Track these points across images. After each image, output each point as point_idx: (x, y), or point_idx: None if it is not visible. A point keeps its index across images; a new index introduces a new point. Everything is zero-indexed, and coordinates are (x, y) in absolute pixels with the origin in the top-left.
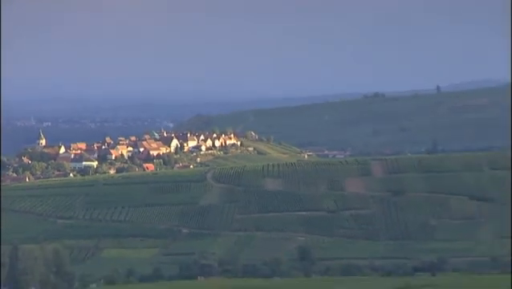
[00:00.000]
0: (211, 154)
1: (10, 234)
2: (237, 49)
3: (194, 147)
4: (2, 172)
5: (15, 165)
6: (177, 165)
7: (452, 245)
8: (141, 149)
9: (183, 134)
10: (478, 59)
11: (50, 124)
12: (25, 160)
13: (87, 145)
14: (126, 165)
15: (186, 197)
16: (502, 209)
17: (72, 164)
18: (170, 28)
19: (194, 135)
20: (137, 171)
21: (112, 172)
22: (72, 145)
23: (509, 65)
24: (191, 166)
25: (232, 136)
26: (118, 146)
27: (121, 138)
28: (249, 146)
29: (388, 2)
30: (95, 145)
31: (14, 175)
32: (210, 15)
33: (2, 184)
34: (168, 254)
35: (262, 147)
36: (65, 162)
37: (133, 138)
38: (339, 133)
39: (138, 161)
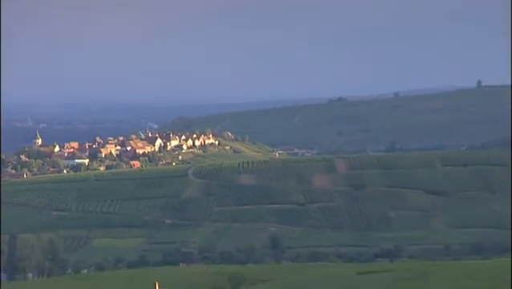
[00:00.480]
0: (191, 152)
1: (9, 225)
2: (216, 56)
3: (176, 146)
4: (2, 168)
5: (14, 163)
6: (161, 163)
7: (408, 234)
8: (128, 148)
9: (166, 134)
10: (435, 67)
11: (45, 125)
12: (23, 157)
13: (79, 144)
14: (114, 163)
15: (169, 191)
16: (453, 202)
17: (66, 162)
18: (154, 39)
19: (176, 135)
20: (125, 168)
21: (102, 168)
22: (66, 144)
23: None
24: (173, 163)
25: (210, 136)
26: (107, 145)
27: (110, 138)
28: (226, 145)
29: (353, 11)
30: (86, 145)
31: (13, 171)
32: (192, 24)
33: (2, 180)
34: (152, 243)
35: (237, 146)
36: (59, 160)
37: (121, 138)
38: (307, 134)
39: (125, 159)
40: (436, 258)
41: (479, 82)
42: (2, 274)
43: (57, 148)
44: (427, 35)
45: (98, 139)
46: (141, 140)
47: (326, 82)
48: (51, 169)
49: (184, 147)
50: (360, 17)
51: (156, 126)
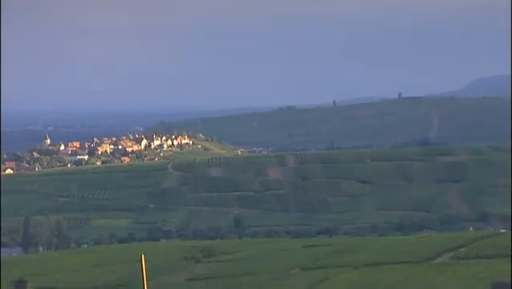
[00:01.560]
0: (170, 150)
1: (24, 208)
2: (190, 70)
3: (158, 145)
4: (18, 163)
5: (28, 159)
6: (146, 159)
7: (343, 215)
8: (120, 147)
9: (150, 136)
10: (365, 80)
11: (53, 128)
12: (35, 154)
13: (80, 144)
14: (109, 158)
15: (152, 182)
16: (379, 190)
17: (69, 158)
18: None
19: (158, 136)
20: (117, 163)
21: (99, 163)
22: (69, 144)
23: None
24: (156, 159)
25: (186, 137)
26: (103, 144)
27: (105, 138)
28: (198, 144)
29: (300, 31)
30: (86, 144)
31: (27, 166)
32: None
33: (18, 172)
34: (139, 223)
35: (207, 145)
36: (64, 156)
37: (114, 138)
38: (263, 135)
39: (117, 155)
40: (365, 234)
41: (400, 94)
42: (17, 248)
43: (62, 147)
44: (358, 54)
45: (95, 139)
46: (130, 140)
47: (278, 92)
48: (58, 164)
49: (165, 146)
50: (304, 36)
51: (141, 129)
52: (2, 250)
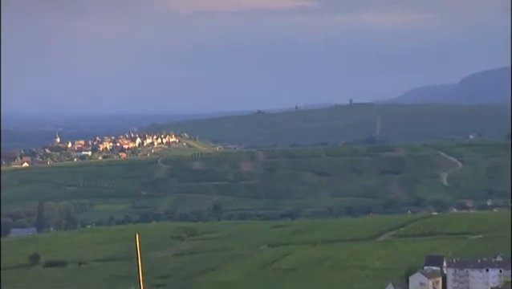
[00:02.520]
0: (160, 147)
1: (38, 195)
2: (178, 79)
3: (150, 143)
4: (33, 158)
5: (41, 154)
6: (140, 154)
7: (303, 201)
8: (118, 144)
9: (143, 135)
10: (321, 87)
11: (62, 128)
12: (47, 150)
13: (84, 142)
14: (108, 154)
15: (145, 173)
16: (333, 180)
17: (75, 153)
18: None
19: (150, 135)
20: (115, 158)
21: (100, 158)
22: (75, 142)
23: (510, 65)
24: (148, 154)
25: (173, 136)
26: (104, 142)
27: (105, 137)
28: (184, 142)
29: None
30: (89, 142)
31: (40, 160)
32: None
33: (33, 165)
34: (134, 207)
35: (191, 143)
36: (71, 152)
37: (113, 137)
38: (237, 134)
39: (116, 151)
40: (321, 217)
41: (351, 100)
42: (32, 228)
43: (70, 144)
44: (314, 66)
45: (97, 138)
46: (126, 139)
47: (249, 99)
48: (66, 159)
49: (155, 144)
50: (271, 49)
51: (136, 129)
52: (20, 230)
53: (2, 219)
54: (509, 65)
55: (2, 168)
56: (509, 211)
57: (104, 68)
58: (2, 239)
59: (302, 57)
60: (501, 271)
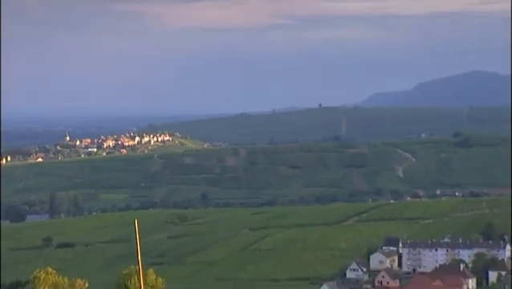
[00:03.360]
0: (156, 145)
1: (50, 186)
2: (172, 85)
3: (147, 141)
4: (46, 154)
5: (53, 150)
6: (138, 151)
7: (280, 191)
8: (119, 142)
9: (141, 134)
10: (293, 93)
11: (71, 128)
12: (58, 148)
13: (90, 140)
14: (111, 151)
15: (143, 167)
16: (305, 173)
17: (83, 150)
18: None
19: (147, 134)
20: (117, 154)
21: (104, 154)
22: (83, 140)
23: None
24: (145, 151)
25: (167, 135)
26: (107, 140)
27: (109, 136)
28: (176, 140)
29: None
30: (95, 140)
31: (53, 156)
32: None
33: (46, 160)
34: (133, 197)
35: (182, 141)
36: (79, 149)
37: (115, 136)
38: (223, 134)
39: (118, 148)
40: (295, 204)
41: (320, 104)
42: (45, 214)
43: (78, 142)
44: (289, 73)
45: (102, 137)
46: (127, 137)
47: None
48: (74, 155)
49: (152, 142)
50: (253, 58)
51: (135, 129)
52: (35, 216)
53: (20, 207)
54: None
55: (20, 162)
56: (455, 199)
57: (107, 77)
58: (19, 224)
59: (278, 67)
60: (447, 251)
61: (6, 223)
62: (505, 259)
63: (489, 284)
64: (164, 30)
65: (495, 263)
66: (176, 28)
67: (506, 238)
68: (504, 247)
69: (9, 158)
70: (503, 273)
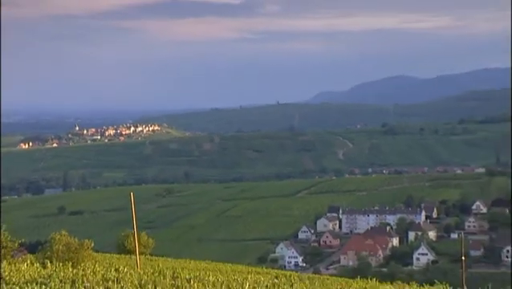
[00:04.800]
0: (148, 133)
1: (64, 166)
2: (160, 84)
3: (140, 130)
4: (60, 141)
5: (65, 138)
6: (133, 138)
7: (246, 170)
8: (118, 131)
9: (135, 125)
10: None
11: (80, 120)
12: (69, 136)
13: (95, 129)
14: (112, 138)
15: (137, 152)
16: (266, 157)
17: (89, 138)
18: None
19: (141, 125)
20: (117, 141)
21: (106, 141)
22: (89, 129)
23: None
24: (139, 138)
25: (157, 125)
26: (108, 130)
27: (110, 126)
28: (164, 130)
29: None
30: (99, 129)
31: (65, 142)
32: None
33: (60, 146)
34: (129, 175)
35: (169, 130)
36: (86, 137)
37: (115, 126)
38: (201, 124)
39: (117, 136)
40: (258, 180)
41: (278, 101)
42: (60, 188)
43: (85, 131)
44: (254, 74)
45: (104, 127)
46: (124, 127)
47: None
48: (82, 141)
49: (144, 131)
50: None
51: (131, 121)
52: (51, 190)
53: (39, 182)
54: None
55: (38, 147)
56: (383, 176)
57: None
58: (39, 197)
59: (245, 71)
60: (377, 216)
61: (28, 196)
62: (421, 222)
63: (409, 242)
64: (155, 43)
65: (413, 226)
66: (165, 40)
67: (422, 205)
68: (420, 213)
69: (30, 144)
70: (419, 233)
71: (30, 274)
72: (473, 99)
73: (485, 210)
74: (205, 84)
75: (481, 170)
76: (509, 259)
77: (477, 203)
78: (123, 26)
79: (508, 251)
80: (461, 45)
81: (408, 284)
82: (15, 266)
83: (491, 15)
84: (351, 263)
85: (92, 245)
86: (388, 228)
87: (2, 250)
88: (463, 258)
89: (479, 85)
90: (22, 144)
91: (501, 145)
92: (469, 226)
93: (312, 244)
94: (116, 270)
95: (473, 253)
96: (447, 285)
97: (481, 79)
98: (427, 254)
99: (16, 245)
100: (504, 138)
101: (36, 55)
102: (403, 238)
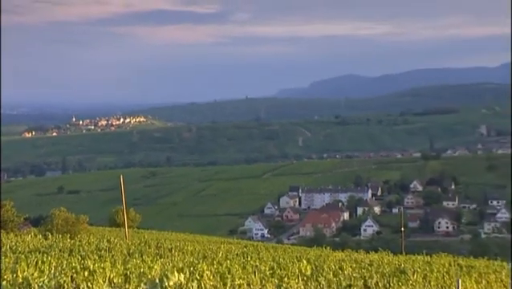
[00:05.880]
0: (135, 124)
1: (62, 152)
2: (144, 84)
3: (128, 121)
4: (59, 130)
5: (63, 128)
6: (123, 128)
7: (220, 155)
8: (110, 122)
9: (124, 116)
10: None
11: (76, 112)
12: (67, 126)
13: (89, 120)
14: (104, 128)
15: (126, 140)
16: (237, 143)
17: (84, 127)
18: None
19: (129, 117)
20: (108, 130)
21: (99, 130)
22: (84, 120)
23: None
24: (127, 128)
25: (143, 117)
26: (101, 120)
27: (102, 118)
28: (149, 121)
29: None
30: (92, 120)
31: (63, 131)
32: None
33: (59, 135)
34: (119, 159)
35: (153, 121)
36: (82, 126)
37: (107, 118)
38: (181, 116)
39: (108, 126)
40: (230, 164)
41: (246, 96)
42: (59, 171)
43: (80, 122)
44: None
45: (97, 118)
46: (114, 118)
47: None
48: (79, 131)
49: (132, 122)
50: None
51: (120, 113)
52: (52, 172)
53: (41, 166)
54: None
55: (41, 136)
56: (336, 160)
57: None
58: (41, 178)
59: (219, 70)
60: (331, 194)
61: (31, 177)
62: (368, 199)
63: (357, 216)
64: (142, 46)
65: (361, 202)
66: (150, 44)
67: (369, 185)
68: (367, 191)
69: (33, 133)
70: (366, 208)
71: (33, 245)
72: (411, 95)
73: (420, 189)
74: (184, 81)
75: (418, 155)
76: (440, 229)
77: (414, 183)
78: (115, 32)
79: (440, 223)
80: (400, 49)
81: (357, 251)
82: (21, 237)
83: (422, 25)
84: (308, 234)
85: (87, 219)
86: (340, 204)
87: (10, 224)
88: (402, 229)
89: (415, 83)
90: (26, 133)
91: (433, 134)
92: (407, 202)
93: (276, 218)
94: (108, 241)
95: (410, 224)
96: (389, 251)
97: (416, 78)
98: (372, 226)
99: (21, 219)
100: (436, 128)
101: (38, 56)
102: (352, 213)
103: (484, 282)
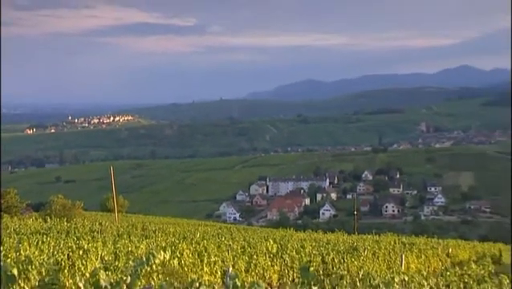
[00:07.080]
0: (123, 122)
1: (60, 146)
2: (134, 84)
3: (118, 120)
4: (57, 127)
5: (61, 125)
6: (113, 126)
7: (198, 149)
8: (101, 120)
9: (114, 115)
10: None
11: (72, 112)
12: (64, 123)
13: (84, 118)
14: (96, 126)
15: (115, 136)
16: (213, 139)
17: (79, 125)
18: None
19: (118, 115)
20: (100, 128)
21: (92, 127)
22: (79, 119)
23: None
24: (117, 126)
25: (130, 116)
26: (94, 119)
27: (95, 117)
28: (136, 119)
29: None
30: (86, 119)
31: (61, 128)
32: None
33: (57, 131)
34: (110, 153)
35: (140, 120)
36: (77, 124)
37: (99, 116)
38: (164, 115)
39: (100, 124)
40: (206, 158)
41: (221, 97)
42: (57, 164)
43: (76, 120)
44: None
45: (90, 117)
46: (105, 117)
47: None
48: (74, 128)
49: (121, 120)
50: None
51: (110, 112)
52: (51, 165)
53: (41, 158)
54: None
55: (41, 132)
56: (299, 153)
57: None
58: (41, 169)
59: (197, 75)
60: (294, 183)
61: (32, 168)
62: (326, 187)
63: (317, 201)
64: (130, 54)
65: (320, 189)
66: (135, 52)
67: (327, 174)
68: (325, 180)
69: (34, 130)
70: (325, 195)
71: (34, 227)
72: (363, 97)
73: (371, 178)
74: (167, 85)
75: (369, 149)
76: (387, 213)
77: (366, 172)
78: (106, 42)
79: (387, 207)
80: (354, 57)
81: (316, 232)
82: (23, 221)
83: (373, 37)
84: (275, 218)
85: (82, 205)
86: (301, 191)
87: (14, 209)
88: (355, 212)
89: (366, 87)
90: (27, 130)
91: (382, 131)
92: (359, 189)
93: (246, 204)
94: (100, 224)
95: (362, 208)
96: (344, 232)
97: (367, 82)
98: (330, 210)
99: (24, 205)
100: (384, 125)
101: (39, 64)
102: (313, 199)
103: (423, 256)
